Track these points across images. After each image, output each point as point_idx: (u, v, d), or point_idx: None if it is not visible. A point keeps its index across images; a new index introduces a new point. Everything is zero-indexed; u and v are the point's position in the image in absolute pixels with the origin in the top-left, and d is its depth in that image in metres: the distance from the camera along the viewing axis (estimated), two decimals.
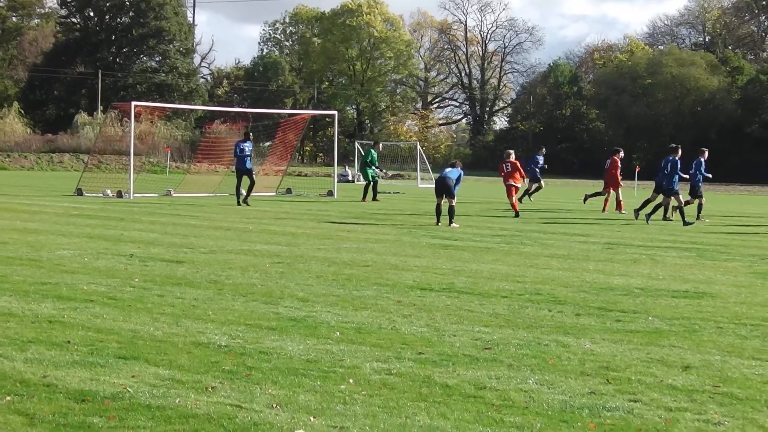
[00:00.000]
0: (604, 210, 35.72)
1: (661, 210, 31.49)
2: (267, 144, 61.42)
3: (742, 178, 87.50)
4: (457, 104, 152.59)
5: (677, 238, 24.72)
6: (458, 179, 27.14)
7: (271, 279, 14.86)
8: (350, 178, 66.71)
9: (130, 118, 43.98)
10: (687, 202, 31.16)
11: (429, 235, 23.75)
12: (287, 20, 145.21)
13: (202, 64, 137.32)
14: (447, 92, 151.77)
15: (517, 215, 31.48)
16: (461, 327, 11.21)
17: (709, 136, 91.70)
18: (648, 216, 30.44)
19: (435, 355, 9.64)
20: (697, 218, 31.49)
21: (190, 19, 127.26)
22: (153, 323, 10.95)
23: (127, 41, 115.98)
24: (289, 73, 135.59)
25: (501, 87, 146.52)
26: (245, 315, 11.64)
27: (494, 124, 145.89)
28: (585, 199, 37.80)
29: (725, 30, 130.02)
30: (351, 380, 8.55)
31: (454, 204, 26.91)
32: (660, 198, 30.95)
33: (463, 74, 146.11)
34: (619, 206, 35.56)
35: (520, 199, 35.68)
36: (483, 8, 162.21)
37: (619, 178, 35.79)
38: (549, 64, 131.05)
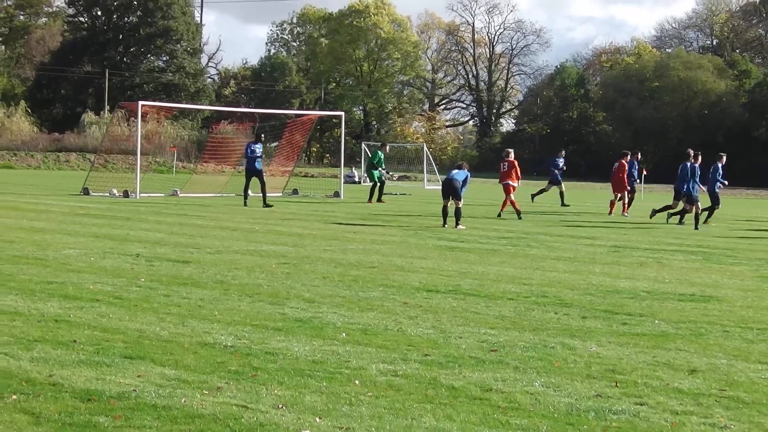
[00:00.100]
0: (610, 213, 35.77)
1: (673, 213, 31.59)
2: (274, 144, 61.38)
3: (750, 181, 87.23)
4: (464, 106, 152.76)
5: (684, 242, 24.70)
6: (465, 181, 27.16)
7: (278, 280, 14.86)
8: (357, 179, 66.63)
9: (137, 118, 43.99)
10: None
11: (435, 237, 23.75)
12: (295, 20, 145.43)
13: (210, 64, 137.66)
14: (454, 94, 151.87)
15: (519, 216, 31.52)
16: (467, 329, 11.21)
17: (716, 139, 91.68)
18: (678, 219, 30.44)
19: (441, 357, 9.63)
20: (704, 221, 31.54)
21: (198, 19, 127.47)
22: (159, 323, 10.95)
23: (135, 41, 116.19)
24: (296, 73, 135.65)
25: (508, 89, 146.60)
26: (251, 315, 11.64)
27: (501, 126, 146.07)
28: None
29: (733, 33, 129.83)
30: (357, 381, 8.54)
31: (460, 206, 26.89)
32: (681, 205, 30.96)
33: (470, 76, 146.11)
34: (624, 209, 35.63)
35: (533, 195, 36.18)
36: (491, 10, 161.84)
37: (626, 181, 35.86)
38: (556, 66, 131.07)
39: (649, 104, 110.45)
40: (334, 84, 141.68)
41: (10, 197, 35.61)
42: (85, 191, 40.10)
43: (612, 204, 36.25)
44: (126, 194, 39.21)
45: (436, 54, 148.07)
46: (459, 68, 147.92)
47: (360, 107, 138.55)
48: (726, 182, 32.60)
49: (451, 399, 8.10)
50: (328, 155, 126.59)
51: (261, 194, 35.13)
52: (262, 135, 38.50)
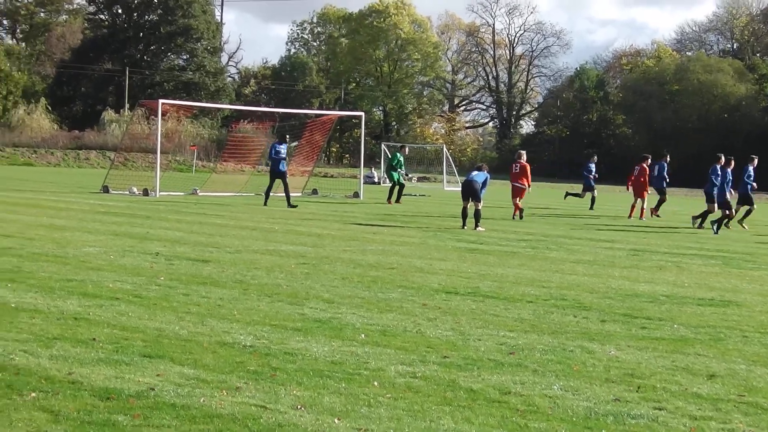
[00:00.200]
0: (629, 216, 35.72)
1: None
2: (294, 144, 61.48)
3: None
4: (484, 107, 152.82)
5: (703, 246, 24.63)
6: (485, 183, 27.18)
7: (297, 280, 14.86)
8: (376, 179, 66.66)
9: (157, 116, 44.10)
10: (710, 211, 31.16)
11: (454, 239, 23.73)
12: (315, 20, 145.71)
13: (230, 63, 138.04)
14: (474, 95, 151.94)
15: (521, 216, 31.63)
16: (486, 331, 11.19)
17: (735, 143, 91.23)
18: (716, 226, 30.26)
19: (460, 359, 9.62)
20: (739, 221, 31.67)
21: (218, 18, 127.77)
22: (178, 322, 10.97)
23: (155, 39, 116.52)
24: (316, 73, 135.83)
25: (528, 91, 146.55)
26: (270, 315, 11.65)
27: (521, 128, 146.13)
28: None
29: (753, 37, 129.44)
30: (376, 383, 8.54)
31: (480, 207, 26.88)
32: (719, 212, 30.81)
33: (490, 77, 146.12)
34: (642, 214, 35.56)
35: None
36: (511, 11, 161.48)
37: (647, 185, 35.82)
38: (576, 69, 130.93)
39: (669, 107, 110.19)
40: (354, 84, 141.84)
41: (30, 195, 35.73)
42: (105, 189, 40.19)
43: (633, 207, 36.18)
44: (146, 193, 39.31)
45: (456, 55, 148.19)
46: (479, 69, 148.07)
47: (380, 108, 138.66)
48: (755, 184, 32.23)
49: (469, 401, 8.09)
50: (347, 155, 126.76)
51: (284, 195, 34.94)
52: (287, 135, 38.11)
